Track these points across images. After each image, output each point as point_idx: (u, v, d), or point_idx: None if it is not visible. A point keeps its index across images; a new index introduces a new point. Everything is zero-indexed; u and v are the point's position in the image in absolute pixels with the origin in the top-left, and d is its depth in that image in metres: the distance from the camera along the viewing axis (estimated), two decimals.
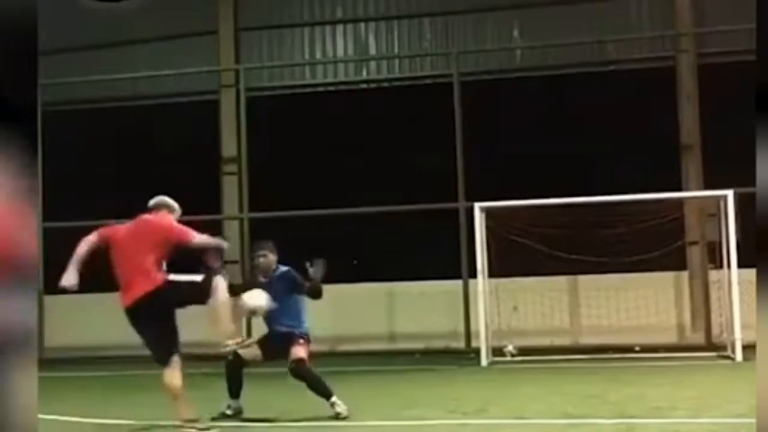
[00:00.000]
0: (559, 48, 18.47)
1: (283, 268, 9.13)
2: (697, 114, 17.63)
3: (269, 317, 9.00)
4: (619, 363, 14.53)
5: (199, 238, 7.90)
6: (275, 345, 8.94)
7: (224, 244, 8.25)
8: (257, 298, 8.40)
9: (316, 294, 9.09)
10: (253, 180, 18.57)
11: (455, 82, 17.54)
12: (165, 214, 8.28)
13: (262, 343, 9.12)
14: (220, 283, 7.76)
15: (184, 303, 7.75)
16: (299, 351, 8.79)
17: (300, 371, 8.73)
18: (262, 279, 9.10)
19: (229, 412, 8.92)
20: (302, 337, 8.92)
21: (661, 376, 12.18)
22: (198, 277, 7.78)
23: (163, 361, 7.69)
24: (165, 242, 7.80)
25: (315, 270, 8.96)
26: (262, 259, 9.13)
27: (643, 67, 18.23)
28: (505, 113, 18.21)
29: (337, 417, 8.51)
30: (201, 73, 19.95)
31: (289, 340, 8.83)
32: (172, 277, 7.76)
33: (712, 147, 17.33)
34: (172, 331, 7.76)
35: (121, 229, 8.15)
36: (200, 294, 7.72)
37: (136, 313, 7.64)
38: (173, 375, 7.63)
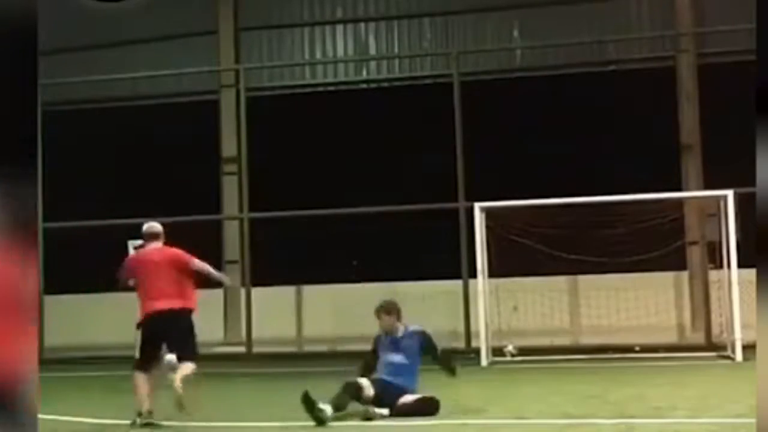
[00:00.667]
0: (559, 48, 18.48)
1: (414, 328, 9.27)
2: (697, 114, 17.64)
3: (390, 370, 9.07)
4: (619, 363, 14.53)
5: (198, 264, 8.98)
6: (388, 394, 8.89)
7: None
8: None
9: (446, 365, 9.38)
10: (253, 180, 18.56)
11: (455, 82, 17.53)
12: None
13: (376, 383, 9.02)
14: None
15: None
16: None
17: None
18: (384, 338, 9.25)
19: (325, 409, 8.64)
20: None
21: (661, 376, 12.18)
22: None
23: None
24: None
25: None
26: (380, 321, 9.31)
27: (643, 67, 18.23)
28: (505, 113, 18.21)
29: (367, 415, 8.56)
30: (201, 73, 19.96)
31: (402, 394, 8.89)
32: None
33: (712, 147, 17.33)
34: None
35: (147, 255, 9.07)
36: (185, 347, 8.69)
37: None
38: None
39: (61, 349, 17.78)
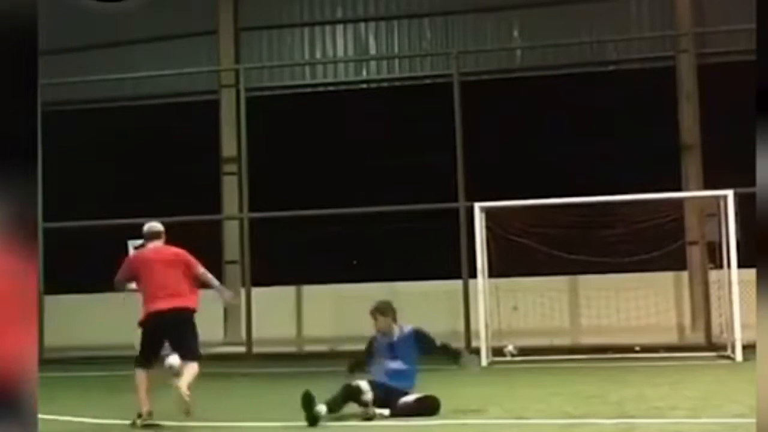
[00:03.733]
0: (559, 48, 18.48)
1: (407, 329, 9.18)
2: (697, 114, 17.64)
3: (388, 375, 9.05)
4: (619, 363, 14.52)
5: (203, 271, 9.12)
6: (387, 397, 8.86)
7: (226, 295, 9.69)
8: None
9: (446, 353, 9.32)
10: (253, 180, 18.56)
11: (455, 82, 17.53)
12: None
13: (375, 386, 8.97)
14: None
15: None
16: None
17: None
18: (381, 338, 9.20)
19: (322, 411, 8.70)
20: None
21: (661, 376, 12.17)
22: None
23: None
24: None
25: (466, 360, 9.40)
26: (376, 322, 9.25)
27: (643, 67, 18.23)
28: (505, 113, 18.21)
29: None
30: (201, 73, 19.95)
31: (402, 395, 8.86)
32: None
33: (712, 147, 17.33)
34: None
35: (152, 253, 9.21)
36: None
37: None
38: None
39: (61, 349, 17.78)
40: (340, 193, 18.67)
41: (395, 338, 9.08)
